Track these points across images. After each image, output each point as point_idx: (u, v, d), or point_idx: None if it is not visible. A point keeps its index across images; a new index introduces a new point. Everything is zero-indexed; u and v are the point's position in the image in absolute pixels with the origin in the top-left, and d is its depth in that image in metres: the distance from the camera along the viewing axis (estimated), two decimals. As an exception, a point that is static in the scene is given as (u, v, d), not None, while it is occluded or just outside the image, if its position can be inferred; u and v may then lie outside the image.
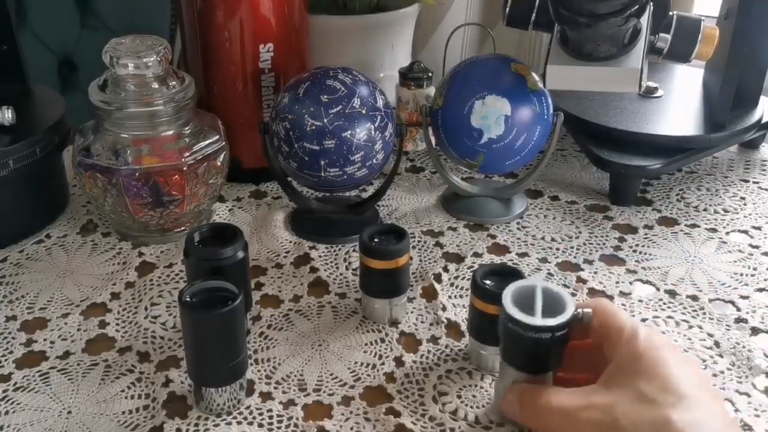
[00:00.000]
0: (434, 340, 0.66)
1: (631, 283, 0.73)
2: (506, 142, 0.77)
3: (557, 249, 0.78)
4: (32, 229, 0.80)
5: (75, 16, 1.21)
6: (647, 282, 0.73)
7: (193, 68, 0.85)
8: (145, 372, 0.62)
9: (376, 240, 0.66)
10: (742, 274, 0.74)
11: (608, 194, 0.87)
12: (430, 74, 0.92)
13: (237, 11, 0.81)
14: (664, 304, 0.70)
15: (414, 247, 0.78)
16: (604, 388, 0.50)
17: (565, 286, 0.72)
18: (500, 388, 0.57)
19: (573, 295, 0.71)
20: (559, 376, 0.55)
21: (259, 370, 0.62)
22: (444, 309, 0.69)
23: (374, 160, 0.76)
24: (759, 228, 0.81)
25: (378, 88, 0.77)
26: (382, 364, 0.63)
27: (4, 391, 0.60)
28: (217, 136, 0.77)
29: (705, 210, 0.85)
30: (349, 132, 0.73)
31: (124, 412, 0.58)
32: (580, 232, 0.81)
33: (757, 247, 0.78)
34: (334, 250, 0.78)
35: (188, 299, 0.55)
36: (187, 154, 0.74)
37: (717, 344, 0.65)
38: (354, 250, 0.77)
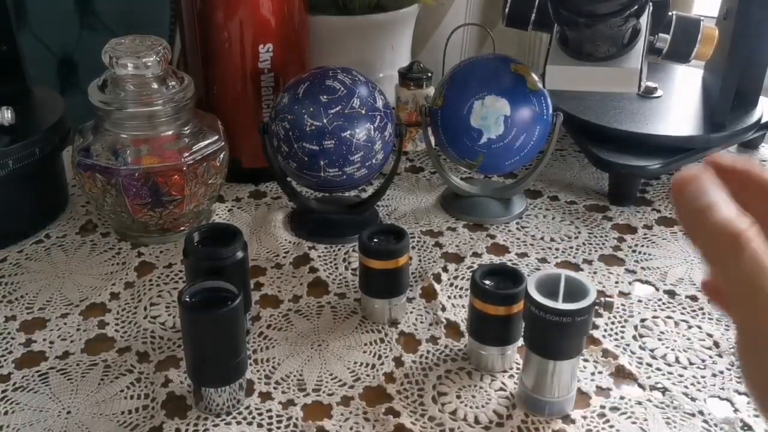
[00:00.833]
0: (434, 340, 0.66)
1: (630, 283, 0.73)
2: (506, 143, 0.77)
3: (557, 249, 0.78)
4: (32, 230, 0.80)
5: (75, 16, 1.21)
6: (646, 282, 0.73)
7: (193, 68, 0.85)
8: (145, 372, 0.62)
9: (375, 240, 0.66)
10: (741, 275, 0.74)
11: (607, 194, 0.87)
12: (430, 74, 0.92)
13: (237, 11, 0.81)
14: (664, 304, 0.70)
15: (413, 248, 0.78)
16: None
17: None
18: (524, 377, 0.57)
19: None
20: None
21: (258, 370, 0.62)
22: (443, 309, 0.69)
23: (374, 161, 0.76)
24: (758, 228, 0.81)
25: (377, 88, 0.77)
26: (382, 364, 0.63)
27: (3, 392, 0.60)
28: (217, 137, 0.77)
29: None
30: (348, 132, 0.73)
31: (123, 412, 0.58)
32: (579, 232, 0.81)
33: (756, 247, 0.78)
34: (334, 250, 0.78)
35: (188, 299, 0.55)
36: (187, 154, 0.74)
37: (716, 344, 0.65)
38: (353, 250, 0.77)
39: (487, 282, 0.60)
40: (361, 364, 0.63)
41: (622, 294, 0.72)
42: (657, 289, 0.72)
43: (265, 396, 0.59)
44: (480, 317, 0.60)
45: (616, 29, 0.69)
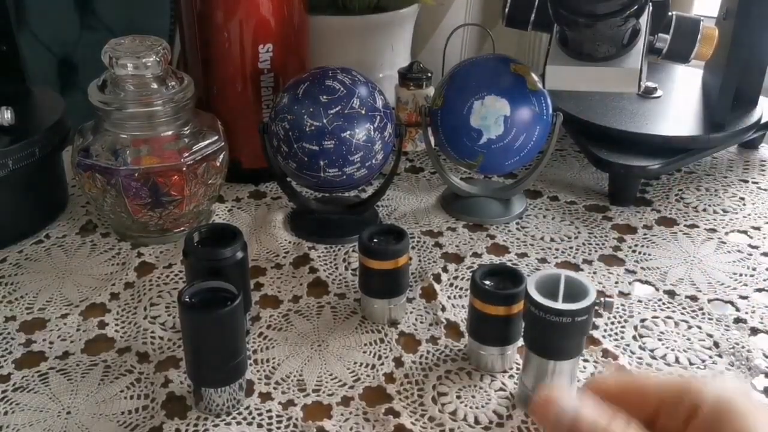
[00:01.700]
0: (433, 340, 0.66)
1: (630, 283, 0.73)
2: (505, 143, 0.77)
3: (556, 249, 0.78)
4: (31, 230, 0.80)
5: (74, 16, 1.21)
6: (646, 282, 0.73)
7: (193, 69, 0.85)
8: (145, 372, 0.62)
9: (375, 240, 0.66)
10: (741, 275, 0.74)
11: (607, 194, 0.87)
12: (430, 74, 0.92)
13: (236, 12, 0.81)
14: (664, 304, 0.70)
15: (413, 248, 0.78)
16: None
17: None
18: (524, 377, 0.57)
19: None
20: None
21: (258, 371, 0.62)
22: (443, 309, 0.69)
23: (373, 161, 0.76)
24: (758, 228, 0.81)
25: (377, 88, 0.77)
26: (382, 364, 0.63)
27: (3, 392, 0.60)
28: (217, 137, 0.77)
29: (704, 210, 0.85)
30: (348, 132, 0.73)
31: (123, 413, 0.58)
32: (579, 233, 0.81)
33: (756, 247, 0.78)
34: (334, 251, 0.78)
35: (187, 299, 0.55)
36: (187, 154, 0.74)
37: (716, 344, 0.65)
38: (353, 251, 0.77)
39: (487, 282, 0.60)
40: (361, 364, 0.63)
41: (622, 294, 0.72)
42: (657, 290, 0.72)
43: (265, 396, 0.59)
44: (480, 317, 0.60)
45: (616, 29, 0.69)
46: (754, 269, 0.75)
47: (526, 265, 0.76)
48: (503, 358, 0.62)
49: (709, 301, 0.70)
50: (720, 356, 0.64)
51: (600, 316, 0.68)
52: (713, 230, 0.81)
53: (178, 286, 0.72)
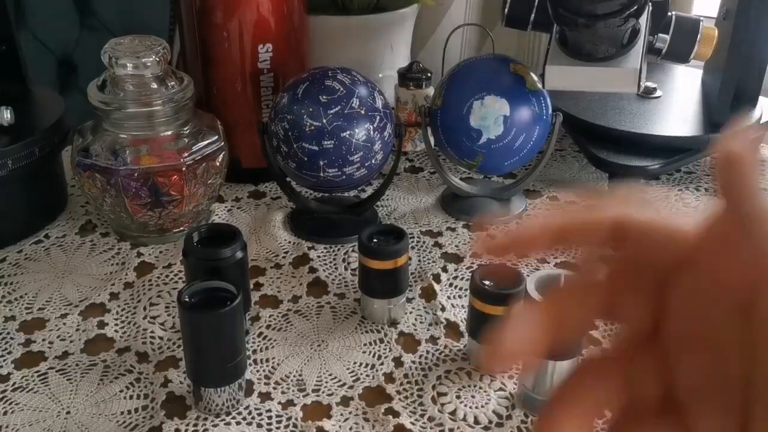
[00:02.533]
0: (433, 340, 0.66)
1: (630, 283, 0.73)
2: (505, 143, 0.77)
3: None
4: (31, 230, 0.80)
5: (74, 16, 1.21)
6: (646, 282, 0.73)
7: (192, 68, 0.85)
8: (144, 372, 0.62)
9: (375, 240, 0.66)
10: (740, 275, 0.74)
11: (607, 195, 0.87)
12: (429, 74, 0.92)
13: (236, 12, 0.81)
14: (663, 304, 0.70)
15: (413, 248, 0.78)
16: None
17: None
18: (524, 377, 0.57)
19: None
20: None
21: (258, 371, 0.62)
22: (443, 309, 0.69)
23: (373, 161, 0.76)
24: (758, 228, 0.81)
25: (377, 88, 0.77)
26: (381, 364, 0.63)
27: (2, 392, 0.60)
28: (216, 137, 0.77)
29: (704, 210, 0.85)
30: (348, 132, 0.73)
31: (122, 413, 0.58)
32: (579, 233, 0.81)
33: (755, 247, 0.78)
34: (333, 251, 0.78)
35: (187, 299, 0.55)
36: (186, 154, 0.74)
37: (716, 344, 0.65)
38: (353, 251, 0.77)
39: (487, 282, 0.60)
40: (361, 364, 0.63)
41: (621, 294, 0.72)
42: (656, 290, 0.72)
43: (265, 396, 0.59)
44: (480, 317, 0.60)
45: (616, 29, 0.69)
46: (753, 269, 0.75)
47: (526, 265, 0.76)
48: (503, 358, 0.61)
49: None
50: (719, 356, 0.64)
51: None
52: (713, 230, 0.81)
53: (177, 286, 0.72)
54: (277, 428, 0.57)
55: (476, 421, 0.57)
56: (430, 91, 0.92)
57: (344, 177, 0.75)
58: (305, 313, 0.69)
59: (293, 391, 0.60)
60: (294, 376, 0.61)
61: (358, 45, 0.98)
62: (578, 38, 0.71)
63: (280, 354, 0.64)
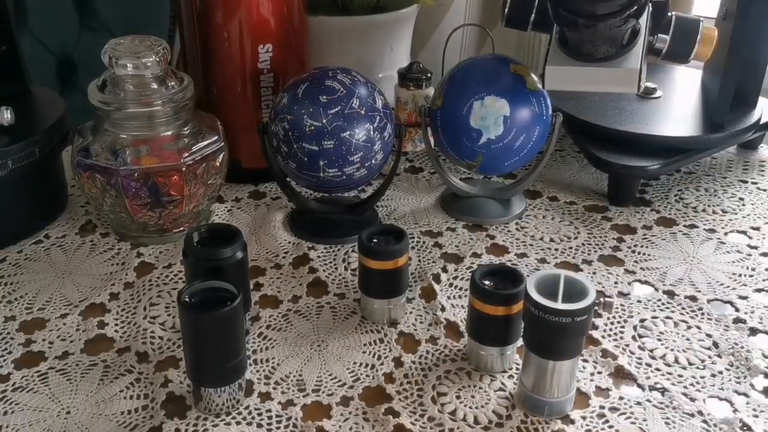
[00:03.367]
0: (433, 340, 0.66)
1: (629, 283, 0.73)
2: (505, 143, 0.77)
3: (556, 249, 0.78)
4: (31, 230, 0.80)
5: (74, 16, 1.21)
6: (646, 282, 0.73)
7: (192, 69, 0.85)
8: (144, 372, 0.62)
9: (375, 240, 0.66)
10: (740, 275, 0.74)
11: (607, 195, 0.87)
12: (429, 75, 0.92)
13: (236, 12, 0.81)
14: (663, 304, 0.70)
15: (413, 248, 0.78)
16: None
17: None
18: (524, 377, 0.58)
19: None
20: None
21: (258, 371, 0.62)
22: (443, 309, 0.69)
23: (373, 161, 0.76)
24: (757, 228, 0.81)
25: (377, 88, 0.77)
26: (381, 364, 0.63)
27: (3, 392, 0.60)
28: (216, 137, 0.77)
29: (703, 211, 0.85)
30: (348, 132, 0.73)
31: (122, 413, 0.58)
32: (578, 233, 0.81)
33: (755, 247, 0.78)
34: (333, 251, 0.78)
35: (187, 299, 0.55)
36: (186, 154, 0.74)
37: (716, 345, 0.65)
38: (353, 251, 0.77)
39: (487, 282, 0.60)
40: (361, 364, 0.63)
41: (621, 294, 0.72)
42: (656, 290, 0.72)
43: (265, 396, 0.59)
44: (479, 317, 0.60)
45: (616, 30, 0.69)
46: (753, 269, 0.75)
47: (526, 265, 0.76)
48: (503, 358, 0.62)
49: (709, 301, 0.71)
50: (719, 356, 0.64)
51: (599, 316, 0.68)
52: (712, 230, 0.81)
53: (177, 286, 0.72)
54: (277, 428, 0.57)
55: (476, 421, 0.57)
56: (430, 91, 0.92)
57: (344, 177, 0.75)
58: (305, 313, 0.69)
59: (293, 391, 0.60)
60: (294, 376, 0.61)
61: (358, 45, 0.98)
62: (578, 38, 0.71)
63: (280, 354, 0.64)
